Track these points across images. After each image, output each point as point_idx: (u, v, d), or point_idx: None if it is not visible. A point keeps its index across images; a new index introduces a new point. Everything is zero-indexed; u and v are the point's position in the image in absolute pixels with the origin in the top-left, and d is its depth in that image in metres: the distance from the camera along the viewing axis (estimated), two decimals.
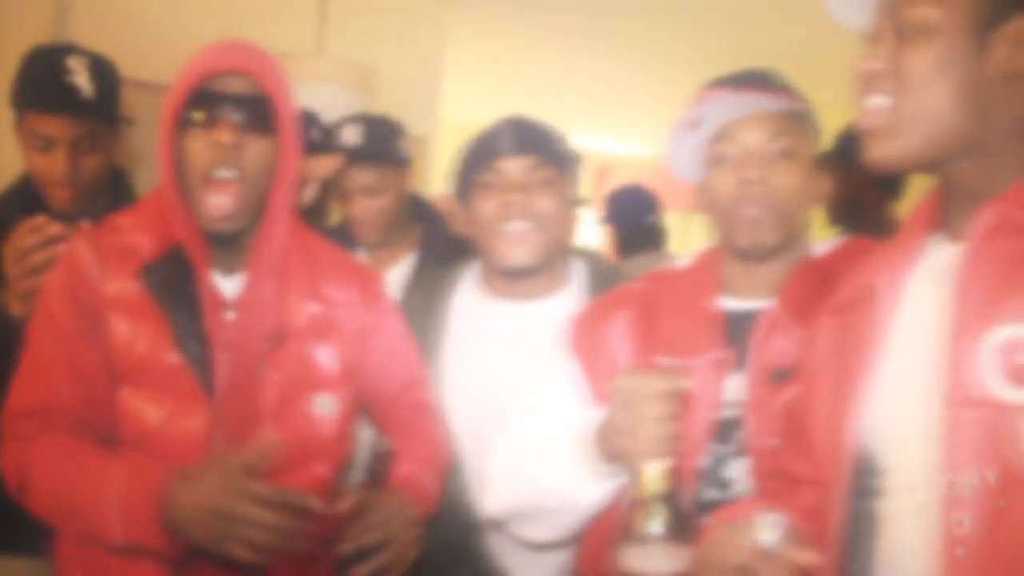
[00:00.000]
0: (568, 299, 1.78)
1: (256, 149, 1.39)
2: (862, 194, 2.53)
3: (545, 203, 1.72)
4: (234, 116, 1.36)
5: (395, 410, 1.65)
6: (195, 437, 1.40)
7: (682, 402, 1.23)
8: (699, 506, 1.36)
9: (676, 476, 1.10)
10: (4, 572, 1.87)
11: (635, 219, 3.73)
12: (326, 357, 1.51)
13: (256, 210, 1.43)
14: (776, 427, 1.34)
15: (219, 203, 1.37)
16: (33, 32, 3.10)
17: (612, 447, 1.27)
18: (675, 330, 1.48)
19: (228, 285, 1.47)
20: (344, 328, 1.54)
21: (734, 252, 1.48)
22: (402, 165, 2.33)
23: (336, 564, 1.39)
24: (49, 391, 1.40)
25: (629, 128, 8.16)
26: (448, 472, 1.66)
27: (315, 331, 1.50)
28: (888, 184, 2.53)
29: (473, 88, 6.10)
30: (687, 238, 8.83)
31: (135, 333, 1.40)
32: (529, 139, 1.75)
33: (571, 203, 1.80)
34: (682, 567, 1.06)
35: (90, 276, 1.41)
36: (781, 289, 1.43)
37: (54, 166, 1.80)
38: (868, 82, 1.08)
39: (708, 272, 1.53)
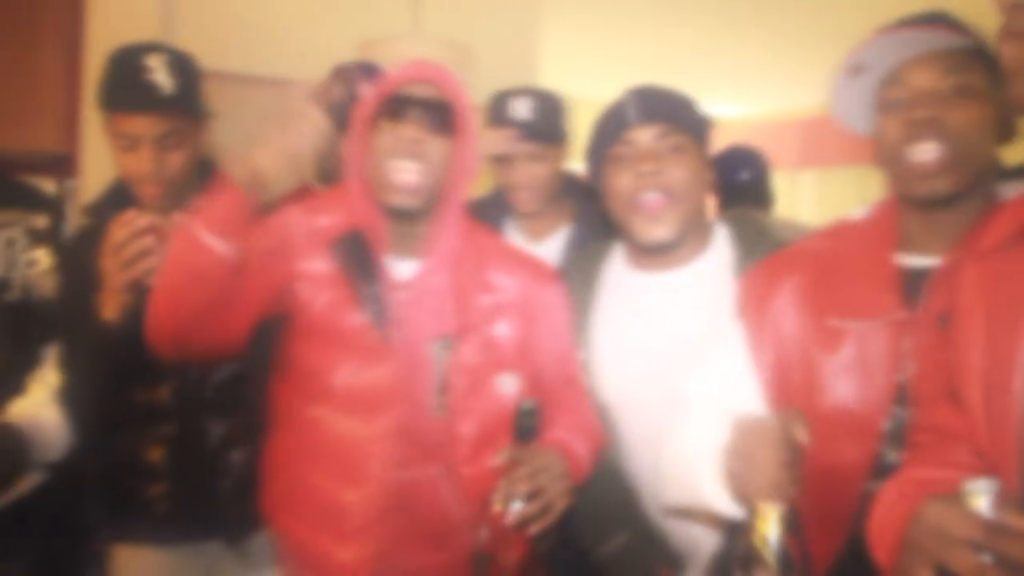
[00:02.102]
0: (712, 262, 1.76)
1: (436, 147, 1.59)
2: None
3: (677, 172, 1.68)
4: (419, 116, 1.58)
5: (549, 382, 1.76)
6: (382, 388, 1.60)
7: (798, 450, 1.20)
8: (883, 469, 1.33)
9: (791, 519, 1.12)
10: (130, 560, 1.95)
11: (728, 176, 3.51)
12: (503, 340, 1.69)
13: (432, 201, 1.63)
14: (939, 376, 1.27)
15: (403, 180, 1.57)
16: (141, 30, 3.19)
17: (730, 485, 1.27)
18: (851, 290, 1.42)
19: (400, 268, 1.66)
20: (513, 310, 1.71)
21: (910, 203, 1.38)
22: (565, 141, 2.33)
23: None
24: None
25: (727, 90, 7.99)
26: (603, 441, 1.74)
27: (492, 317, 1.68)
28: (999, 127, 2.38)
29: (570, 59, 6.04)
30: (793, 198, 8.63)
31: (325, 297, 1.63)
32: (656, 107, 1.72)
33: (705, 167, 1.75)
34: None
35: (294, 242, 1.63)
36: (966, 237, 1.32)
37: (140, 164, 1.82)
38: (1015, 13, 0.99)
39: (885, 226, 1.44)
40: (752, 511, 1.16)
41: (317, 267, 1.64)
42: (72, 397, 1.84)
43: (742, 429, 1.25)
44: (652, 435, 1.74)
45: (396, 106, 1.59)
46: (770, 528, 1.13)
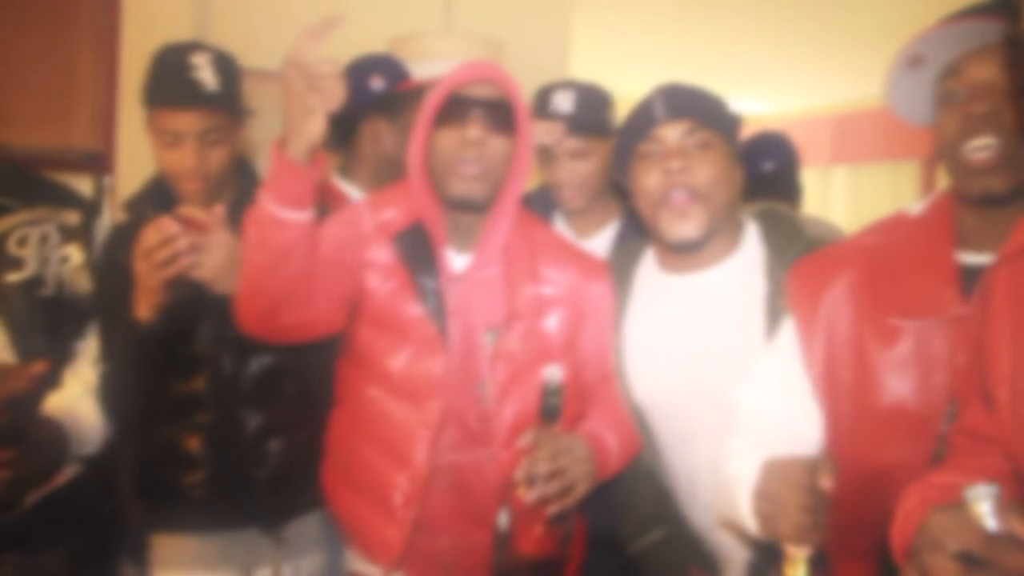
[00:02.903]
0: (742, 261, 1.73)
1: (498, 146, 1.67)
2: None
3: (705, 170, 1.66)
4: (481, 116, 1.64)
5: (587, 377, 1.80)
6: (433, 378, 1.69)
7: (825, 496, 1.20)
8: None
9: (817, 562, 1.15)
10: (168, 548, 1.98)
11: (751, 165, 3.14)
12: (550, 331, 1.75)
13: (492, 197, 1.70)
14: (976, 377, 1.23)
15: (469, 171, 1.65)
16: (175, 30, 3.21)
17: (758, 526, 1.28)
18: (909, 287, 1.38)
19: (459, 261, 1.76)
20: (563, 304, 1.76)
21: (967, 199, 1.35)
22: (609, 135, 2.29)
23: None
24: None
25: (759, 86, 7.95)
26: (636, 438, 1.78)
27: (539, 309, 1.74)
28: None
29: (602, 55, 6.03)
30: (825, 195, 8.55)
31: (387, 286, 1.73)
32: (683, 104, 1.70)
33: (734, 165, 1.73)
34: None
35: (363, 233, 1.75)
36: (1016, 229, 1.26)
37: (183, 159, 1.85)
38: None
39: (943, 222, 1.40)
40: (780, 553, 1.18)
41: (382, 258, 1.74)
42: (111, 390, 1.87)
43: (770, 472, 1.25)
44: (686, 436, 1.75)
45: (458, 107, 1.65)
46: (797, 573, 1.16)
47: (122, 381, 1.85)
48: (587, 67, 5.18)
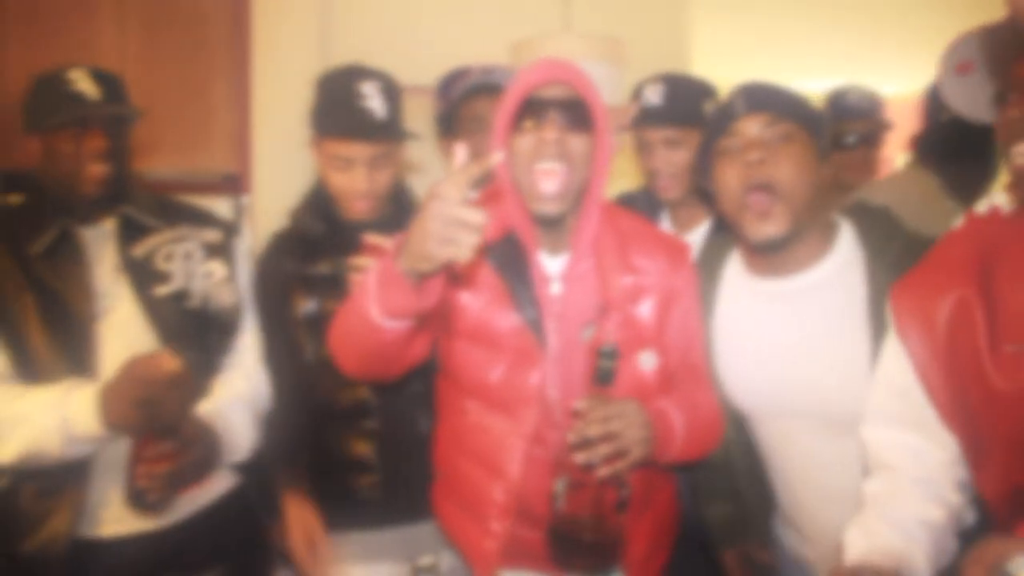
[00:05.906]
0: (834, 264, 1.66)
1: (577, 145, 1.63)
2: None
3: (785, 164, 1.60)
4: (557, 116, 1.61)
5: (672, 367, 1.77)
6: (532, 388, 1.67)
7: None
8: None
9: None
10: (336, 546, 2.03)
11: (929, 113, 2.83)
12: (643, 318, 1.72)
13: (576, 198, 1.67)
14: None
15: (547, 188, 1.61)
16: (301, 62, 3.33)
17: None
18: (1016, 305, 1.24)
19: (553, 264, 1.74)
20: (654, 292, 1.73)
21: None
22: (702, 123, 2.26)
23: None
24: None
25: (891, 70, 7.68)
26: (716, 426, 1.78)
27: (631, 297, 1.71)
28: None
29: (723, 52, 5.92)
30: None
31: (480, 300, 1.70)
32: (761, 97, 1.66)
33: (819, 159, 1.66)
34: None
35: None
36: None
37: (355, 183, 1.95)
38: None
39: None
40: None
41: (473, 269, 1.71)
42: (278, 399, 1.98)
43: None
44: (786, 435, 1.74)
45: (534, 109, 1.62)
46: None
47: (289, 392, 1.96)
48: (709, 63, 5.10)
